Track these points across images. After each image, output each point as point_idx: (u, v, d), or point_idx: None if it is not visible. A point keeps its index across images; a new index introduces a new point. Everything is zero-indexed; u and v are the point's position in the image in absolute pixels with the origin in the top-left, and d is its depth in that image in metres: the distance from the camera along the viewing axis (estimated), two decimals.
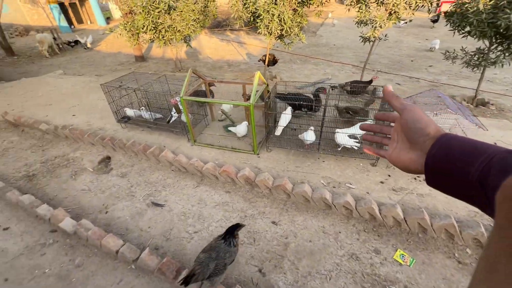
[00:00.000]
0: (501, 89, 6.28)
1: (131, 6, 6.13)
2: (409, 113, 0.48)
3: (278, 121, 3.39)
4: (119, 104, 3.96)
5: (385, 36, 5.54)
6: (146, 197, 2.86)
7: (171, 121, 3.79)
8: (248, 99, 4.06)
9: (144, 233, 2.45)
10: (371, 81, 4.61)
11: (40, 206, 2.50)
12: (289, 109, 3.40)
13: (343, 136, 2.91)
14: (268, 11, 5.43)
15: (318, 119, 3.08)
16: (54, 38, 11.46)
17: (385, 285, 1.94)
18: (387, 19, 4.74)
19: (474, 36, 4.10)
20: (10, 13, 14.48)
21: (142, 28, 6.12)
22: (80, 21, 17.22)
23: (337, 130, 2.98)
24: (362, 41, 5.73)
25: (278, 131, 3.36)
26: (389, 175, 2.82)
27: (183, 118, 3.51)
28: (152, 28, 6.20)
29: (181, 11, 6.50)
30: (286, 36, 6.01)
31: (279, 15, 5.59)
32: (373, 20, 4.92)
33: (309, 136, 3.00)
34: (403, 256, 2.11)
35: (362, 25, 5.31)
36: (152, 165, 3.34)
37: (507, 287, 0.17)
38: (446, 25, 4.66)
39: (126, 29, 6.54)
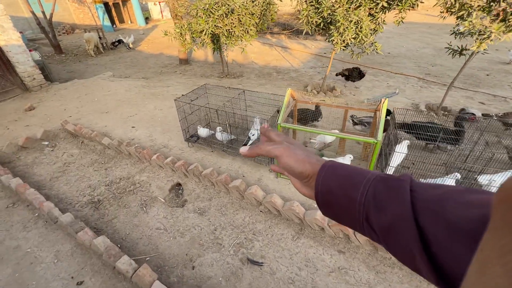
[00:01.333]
0: None
1: (191, 9, 5.74)
2: (284, 160, 0.45)
3: (390, 159, 2.72)
4: (188, 121, 3.50)
5: (484, 49, 4.67)
6: (237, 248, 2.32)
7: (248, 144, 3.25)
8: (355, 123, 3.41)
9: None
10: None
11: (120, 259, 2.03)
12: (405, 144, 2.72)
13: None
14: (347, 17, 4.78)
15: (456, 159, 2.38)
16: (100, 38, 11.55)
17: None
18: (507, 29, 3.87)
19: None
20: (59, 12, 14.98)
21: (201, 32, 5.71)
22: (121, 20, 17.55)
23: (486, 177, 2.26)
24: (451, 53, 4.88)
25: (389, 171, 2.70)
26: None
27: None
28: (210, 32, 5.77)
29: (239, 15, 6.01)
30: (356, 44, 5.32)
31: (357, 21, 4.92)
32: (482, 31, 4.08)
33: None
34: None
35: (461, 36, 4.48)
36: (234, 201, 2.81)
37: None
38: None
39: (181, 33, 6.16)
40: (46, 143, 3.95)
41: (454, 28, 4.54)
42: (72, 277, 2.08)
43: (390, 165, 2.68)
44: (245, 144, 3.24)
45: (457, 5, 4.19)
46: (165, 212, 2.74)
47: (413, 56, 9.89)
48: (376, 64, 9.18)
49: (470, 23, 4.04)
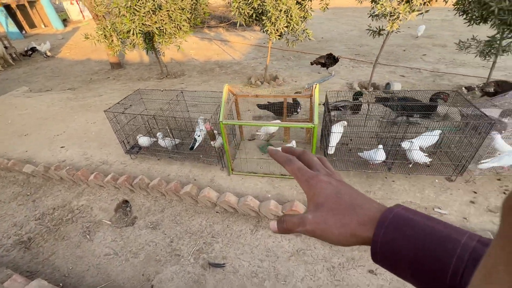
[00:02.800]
0: (501, 74, 6.36)
1: (111, 7, 5.19)
2: (319, 238, 0.37)
3: (329, 140, 2.91)
4: (126, 132, 3.22)
5: (396, 28, 5.28)
6: (197, 255, 2.25)
7: (195, 147, 3.15)
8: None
9: None
10: None
11: None
12: (341, 124, 2.92)
13: (418, 153, 2.53)
14: (276, 7, 4.89)
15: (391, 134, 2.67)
16: (6, 47, 9.80)
17: None
18: (410, 10, 4.42)
19: (492, 25, 3.94)
20: None
21: (128, 32, 5.23)
22: (32, 25, 15.09)
23: (408, 142, 2.58)
24: (371, 34, 5.41)
25: (330, 150, 2.90)
26: (475, 192, 2.50)
27: (218, 144, 2.90)
28: (139, 31, 5.33)
29: (168, 11, 5.68)
30: (289, 32, 5.53)
31: (286, 10, 5.07)
32: (393, 13, 4.59)
33: (379, 155, 2.57)
34: None
35: (376, 18, 4.98)
36: (188, 207, 2.71)
37: None
38: (456, 14, 4.62)
39: (105, 35, 5.57)
40: None
41: (370, 11, 5.01)
42: None
43: (330, 145, 2.87)
44: (192, 147, 3.13)
45: None
46: (113, 235, 2.51)
47: (343, 39, 10.68)
48: (311, 49, 9.67)
49: (382, 6, 4.50)
